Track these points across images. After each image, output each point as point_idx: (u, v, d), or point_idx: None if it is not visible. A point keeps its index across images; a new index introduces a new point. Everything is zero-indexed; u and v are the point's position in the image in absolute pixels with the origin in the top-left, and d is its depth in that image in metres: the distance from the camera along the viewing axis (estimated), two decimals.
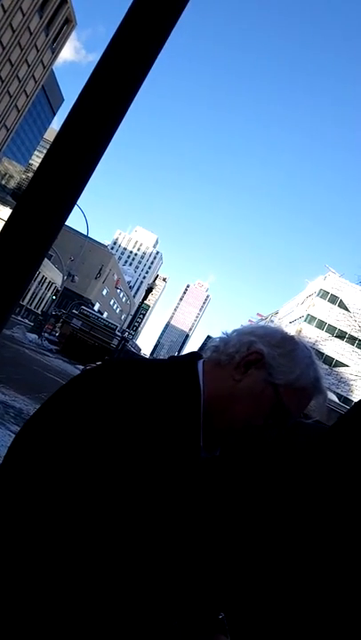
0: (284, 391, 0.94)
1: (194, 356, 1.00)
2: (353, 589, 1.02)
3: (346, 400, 42.55)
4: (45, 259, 1.62)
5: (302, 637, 1.02)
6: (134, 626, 0.82)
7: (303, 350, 0.98)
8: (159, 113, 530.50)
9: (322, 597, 1.02)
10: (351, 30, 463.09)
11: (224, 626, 0.98)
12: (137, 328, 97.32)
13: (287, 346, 0.97)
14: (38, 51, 42.11)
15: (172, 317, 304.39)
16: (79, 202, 1.62)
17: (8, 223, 1.43)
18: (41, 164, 1.48)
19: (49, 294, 44.18)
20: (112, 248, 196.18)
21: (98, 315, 33.17)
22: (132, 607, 0.82)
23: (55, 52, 45.70)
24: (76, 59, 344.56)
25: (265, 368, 0.94)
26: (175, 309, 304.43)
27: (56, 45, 45.24)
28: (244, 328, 1.02)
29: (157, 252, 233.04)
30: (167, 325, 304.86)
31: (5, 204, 42.72)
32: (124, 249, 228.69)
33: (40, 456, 0.83)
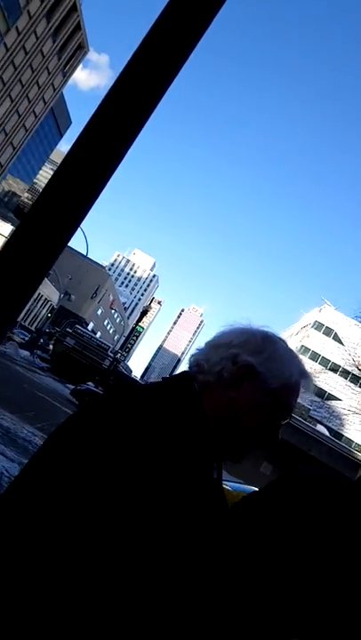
0: (281, 392, 0.94)
1: (187, 376, 0.96)
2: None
3: (337, 434, 42.17)
4: None
5: None
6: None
7: (282, 345, 0.97)
8: (165, 137, 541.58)
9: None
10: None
11: None
12: (129, 349, 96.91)
13: (269, 347, 0.96)
14: (50, 73, 43.16)
15: (164, 341, 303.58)
16: None
17: (11, 241, 1.43)
18: (48, 184, 1.49)
19: (44, 311, 44.09)
20: (109, 269, 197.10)
21: (91, 334, 33.08)
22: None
23: (66, 76, 46.88)
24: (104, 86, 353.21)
25: (258, 378, 0.93)
26: (168, 333, 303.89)
27: (68, 69, 46.42)
28: (218, 340, 0.98)
29: (154, 276, 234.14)
30: (159, 348, 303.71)
31: (6, 220, 43.02)
32: (122, 270, 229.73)
33: (55, 488, 0.79)
